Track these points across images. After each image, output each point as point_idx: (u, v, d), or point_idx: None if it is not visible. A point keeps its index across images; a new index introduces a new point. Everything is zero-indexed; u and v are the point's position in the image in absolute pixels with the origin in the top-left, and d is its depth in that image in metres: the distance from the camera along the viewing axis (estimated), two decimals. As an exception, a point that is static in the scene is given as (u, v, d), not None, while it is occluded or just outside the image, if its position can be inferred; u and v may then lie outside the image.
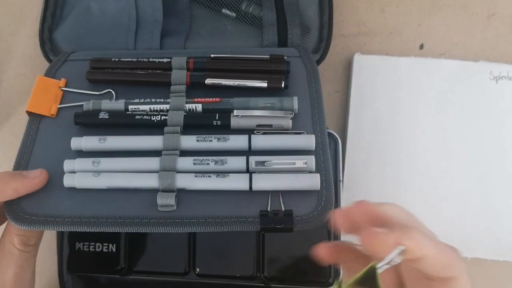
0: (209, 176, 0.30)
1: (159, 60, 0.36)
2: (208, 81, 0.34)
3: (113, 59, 0.36)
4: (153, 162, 0.31)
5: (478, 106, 0.42)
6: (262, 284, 0.39)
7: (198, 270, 0.39)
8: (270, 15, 0.40)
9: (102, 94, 0.35)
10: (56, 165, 0.31)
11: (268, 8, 0.41)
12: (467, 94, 0.42)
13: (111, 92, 0.35)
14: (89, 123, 0.33)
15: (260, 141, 0.31)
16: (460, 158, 0.42)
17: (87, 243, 0.40)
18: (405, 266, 0.25)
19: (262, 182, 0.30)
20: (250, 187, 0.30)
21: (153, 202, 0.29)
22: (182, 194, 0.30)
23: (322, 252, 0.26)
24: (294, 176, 0.30)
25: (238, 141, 0.31)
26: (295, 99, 0.33)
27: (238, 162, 0.30)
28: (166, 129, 0.32)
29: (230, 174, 0.30)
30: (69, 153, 0.32)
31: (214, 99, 0.33)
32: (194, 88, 0.35)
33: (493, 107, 0.42)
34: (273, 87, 0.34)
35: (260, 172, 0.30)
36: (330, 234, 0.39)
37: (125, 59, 0.36)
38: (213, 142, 0.31)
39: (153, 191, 0.30)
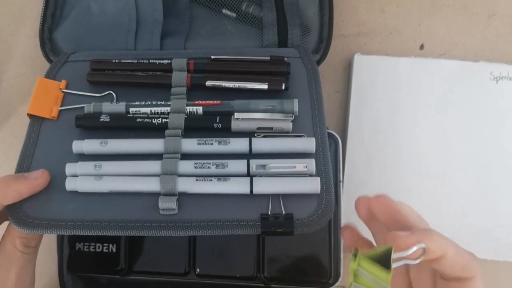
0: (210, 180, 0.30)
1: (160, 61, 0.36)
2: (209, 83, 0.34)
3: (113, 61, 0.36)
4: (155, 166, 0.31)
5: (478, 106, 0.42)
6: (262, 285, 0.39)
7: (198, 270, 0.40)
8: (270, 15, 0.40)
9: (102, 96, 0.35)
10: (58, 168, 0.31)
11: (268, 8, 0.41)
12: (467, 94, 0.42)
13: (111, 94, 0.35)
14: (90, 126, 0.33)
15: (261, 144, 0.31)
16: (460, 158, 0.42)
17: (87, 243, 0.40)
18: (416, 270, 0.26)
19: (262, 186, 0.30)
20: (251, 190, 0.30)
21: (154, 205, 0.29)
22: (183, 197, 0.30)
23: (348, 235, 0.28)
24: (295, 180, 0.30)
25: (239, 144, 0.31)
26: (296, 101, 0.33)
27: (239, 165, 0.31)
28: (167, 132, 0.32)
29: (231, 177, 0.30)
30: (71, 155, 0.32)
31: (214, 101, 0.33)
32: (195, 90, 0.35)
33: (493, 107, 0.42)
34: (273, 89, 0.34)
35: (261, 175, 0.30)
36: (330, 235, 0.39)
37: (125, 61, 0.36)
38: (214, 146, 0.31)
39: (155, 195, 0.30)
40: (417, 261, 0.22)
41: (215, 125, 0.32)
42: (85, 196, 0.30)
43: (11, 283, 0.30)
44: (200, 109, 0.33)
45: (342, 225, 0.37)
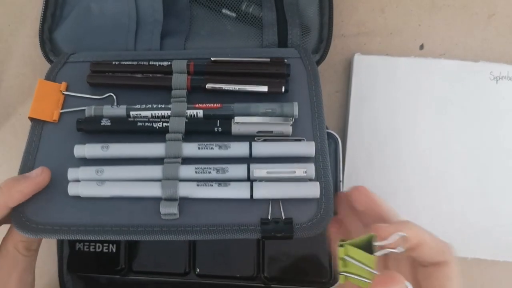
0: (211, 185, 0.30)
1: (160, 63, 0.36)
2: (209, 85, 0.34)
3: (113, 62, 0.36)
4: (156, 171, 0.31)
5: (478, 106, 0.42)
6: (262, 285, 0.39)
7: (198, 270, 0.40)
8: (270, 15, 0.40)
9: (103, 98, 0.35)
10: (60, 172, 0.31)
11: (268, 8, 0.41)
12: (467, 94, 0.42)
13: (112, 96, 0.35)
14: (92, 130, 0.33)
15: (261, 148, 0.32)
16: (460, 158, 0.42)
17: (87, 244, 0.40)
18: (395, 263, 0.28)
19: (263, 191, 0.30)
20: (251, 195, 0.30)
21: (156, 210, 0.30)
22: (184, 202, 0.30)
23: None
24: (295, 185, 0.30)
25: (239, 149, 0.32)
26: (295, 105, 0.33)
27: (239, 170, 0.31)
28: (167, 136, 0.32)
29: (231, 182, 0.30)
30: (73, 159, 0.32)
31: (215, 104, 0.33)
32: (195, 92, 0.35)
33: (493, 107, 0.42)
34: (273, 91, 0.34)
35: (261, 180, 0.30)
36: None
37: (125, 63, 0.36)
38: (215, 150, 0.31)
39: (156, 199, 0.30)
40: (399, 250, 0.24)
41: (215, 129, 0.32)
42: (88, 201, 0.31)
43: (13, 285, 0.31)
44: (200, 113, 0.33)
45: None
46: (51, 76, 0.36)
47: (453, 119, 0.42)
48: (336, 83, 0.44)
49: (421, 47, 0.44)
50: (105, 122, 0.33)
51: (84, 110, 0.34)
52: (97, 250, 0.40)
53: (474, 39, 0.44)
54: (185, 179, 0.31)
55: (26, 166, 0.32)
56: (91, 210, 0.30)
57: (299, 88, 0.35)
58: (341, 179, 0.39)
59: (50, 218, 0.30)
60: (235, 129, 0.32)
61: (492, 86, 0.42)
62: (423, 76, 0.42)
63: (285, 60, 0.35)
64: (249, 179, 0.31)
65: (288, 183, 0.30)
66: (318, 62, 0.40)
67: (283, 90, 0.34)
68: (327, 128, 0.34)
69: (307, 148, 0.32)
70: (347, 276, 0.25)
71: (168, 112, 0.33)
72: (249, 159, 0.31)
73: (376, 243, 0.24)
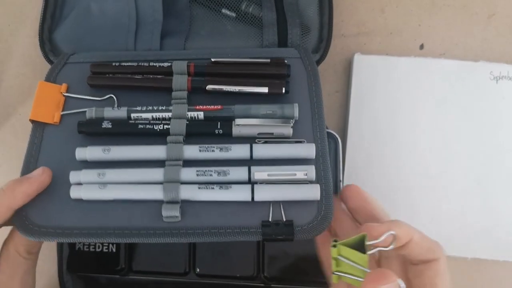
0: (212, 188, 0.30)
1: (160, 64, 0.36)
2: (209, 87, 0.34)
3: (113, 64, 0.36)
4: (157, 174, 0.31)
5: (478, 106, 0.42)
6: (262, 284, 0.39)
7: (198, 270, 0.40)
8: (270, 15, 0.40)
9: (103, 99, 0.35)
10: (62, 174, 0.32)
11: (268, 8, 0.41)
12: (467, 94, 0.42)
13: (112, 97, 0.35)
14: (93, 132, 0.33)
15: (262, 151, 0.32)
16: (460, 158, 0.42)
17: (87, 243, 0.40)
18: (387, 262, 0.29)
19: (263, 193, 0.30)
20: (252, 198, 0.30)
21: (158, 213, 0.30)
22: (186, 205, 0.30)
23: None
24: (295, 187, 0.30)
25: (240, 151, 0.32)
26: (296, 106, 0.33)
27: (240, 173, 0.31)
28: (168, 138, 0.32)
29: (232, 185, 0.30)
30: (74, 161, 0.32)
31: (215, 106, 0.33)
32: (195, 93, 0.35)
33: (493, 107, 0.42)
34: (274, 92, 0.34)
35: (262, 182, 0.31)
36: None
37: (125, 64, 0.36)
38: (216, 152, 0.32)
39: (158, 202, 0.30)
40: (390, 248, 0.25)
41: (216, 131, 0.33)
42: (90, 204, 0.31)
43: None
44: (201, 114, 0.33)
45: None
46: (51, 78, 0.36)
47: (453, 119, 0.42)
48: (336, 83, 0.44)
49: (421, 47, 0.44)
50: (106, 125, 0.33)
51: (85, 111, 0.34)
52: (97, 250, 0.40)
53: (474, 39, 0.44)
54: (186, 181, 0.31)
55: (29, 169, 0.32)
56: (93, 213, 0.30)
57: (299, 88, 0.35)
58: (341, 179, 0.39)
59: (53, 221, 0.30)
60: (236, 131, 0.32)
61: (492, 86, 0.42)
62: (423, 76, 0.42)
63: (285, 61, 0.35)
64: (250, 182, 0.31)
65: (288, 186, 0.30)
66: (318, 62, 0.40)
67: (283, 91, 0.34)
68: (327, 128, 0.34)
69: (308, 150, 0.32)
70: (341, 275, 0.25)
71: (169, 114, 0.33)
72: (250, 161, 0.32)
73: (368, 242, 0.24)
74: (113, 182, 0.31)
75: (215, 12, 0.42)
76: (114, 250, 0.40)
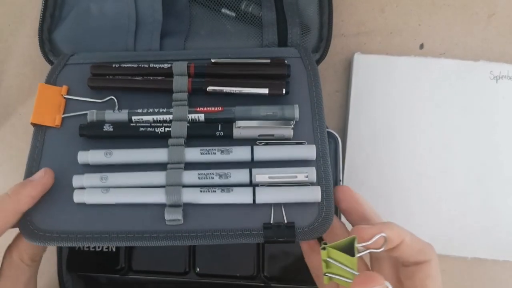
0: (214, 191, 0.30)
1: (160, 65, 0.36)
2: (210, 88, 0.34)
3: (113, 65, 0.36)
4: (159, 177, 0.31)
5: (478, 105, 0.42)
6: (262, 284, 0.39)
7: (198, 269, 0.40)
8: (270, 14, 0.40)
9: (104, 101, 0.35)
10: (65, 178, 0.32)
11: (268, 7, 0.41)
12: (467, 93, 0.42)
13: (113, 99, 0.35)
14: (94, 135, 0.33)
15: (262, 153, 0.32)
16: (460, 158, 0.42)
17: (87, 243, 0.40)
18: (378, 264, 0.29)
19: (265, 196, 0.30)
20: (254, 200, 0.30)
21: (160, 216, 0.30)
22: (188, 207, 0.31)
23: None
24: (296, 189, 0.30)
25: (241, 153, 0.32)
26: (296, 107, 0.33)
27: (241, 175, 0.31)
28: (170, 141, 0.32)
29: (234, 188, 0.31)
30: (76, 164, 0.32)
31: (216, 108, 0.33)
32: (196, 94, 0.35)
33: (493, 106, 0.42)
34: (274, 93, 0.34)
35: (263, 185, 0.31)
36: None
37: (125, 65, 0.36)
38: (217, 155, 0.32)
39: (161, 205, 0.30)
40: (381, 249, 0.25)
41: (217, 133, 0.33)
42: (93, 208, 0.31)
43: None
44: (202, 116, 0.33)
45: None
46: (51, 79, 0.36)
47: (453, 118, 0.42)
48: (336, 83, 0.44)
49: (421, 46, 0.44)
50: (107, 128, 0.33)
51: (86, 114, 0.34)
52: (97, 249, 0.40)
53: (474, 39, 0.44)
54: (188, 185, 0.31)
55: (31, 173, 0.32)
56: (96, 217, 0.31)
57: (299, 88, 0.35)
58: (341, 179, 0.39)
59: (57, 225, 0.30)
60: (236, 133, 0.33)
61: (492, 85, 0.42)
62: (423, 75, 0.42)
63: (285, 61, 0.35)
64: (251, 184, 0.31)
65: (289, 188, 0.31)
66: (318, 61, 0.40)
67: (283, 92, 0.34)
68: (327, 128, 0.34)
69: (308, 151, 0.32)
70: (331, 277, 0.26)
71: (170, 117, 0.33)
72: (251, 163, 0.32)
73: (358, 245, 0.24)
74: (115, 186, 0.31)
75: (214, 12, 0.42)
76: (113, 249, 0.40)
